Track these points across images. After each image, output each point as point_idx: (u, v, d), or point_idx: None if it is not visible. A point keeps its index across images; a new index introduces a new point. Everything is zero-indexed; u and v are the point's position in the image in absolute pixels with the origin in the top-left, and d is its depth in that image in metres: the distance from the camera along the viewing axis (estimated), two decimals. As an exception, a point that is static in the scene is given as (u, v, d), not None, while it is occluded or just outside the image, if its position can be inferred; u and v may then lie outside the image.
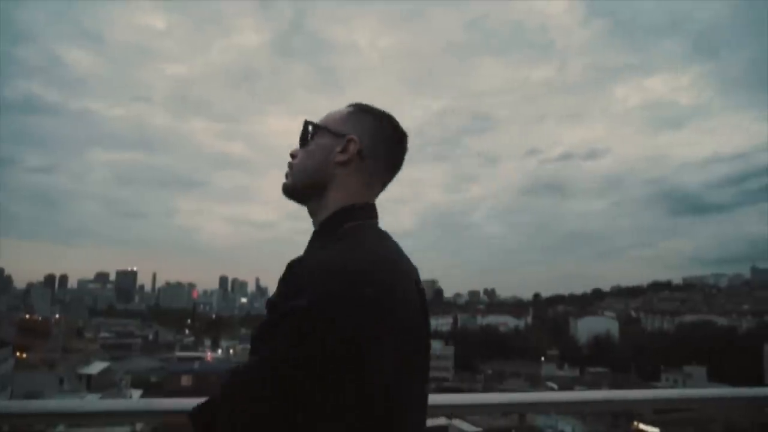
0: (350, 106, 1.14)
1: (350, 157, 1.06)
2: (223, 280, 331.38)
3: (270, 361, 0.82)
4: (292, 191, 1.12)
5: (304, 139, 1.12)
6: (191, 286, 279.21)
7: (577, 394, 1.72)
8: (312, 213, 1.11)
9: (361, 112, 1.12)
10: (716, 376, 52.28)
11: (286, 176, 1.12)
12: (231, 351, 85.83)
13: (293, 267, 0.89)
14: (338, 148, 1.07)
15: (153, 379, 46.66)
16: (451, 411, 1.95)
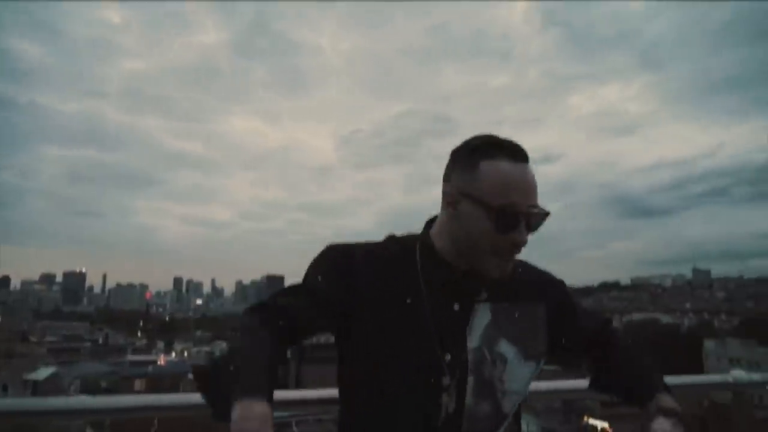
0: None
1: None
2: (177, 281, 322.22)
3: None
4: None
5: (537, 229, 1.09)
6: (144, 287, 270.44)
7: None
8: None
9: None
10: (661, 371, 54.64)
11: (511, 262, 1.10)
12: (185, 353, 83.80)
13: (527, 264, 1.23)
14: None
15: (104, 383, 45.05)
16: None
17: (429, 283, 1.10)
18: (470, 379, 1.07)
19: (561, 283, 1.27)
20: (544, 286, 1.21)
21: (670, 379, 1.14)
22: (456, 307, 1.10)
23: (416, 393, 1.05)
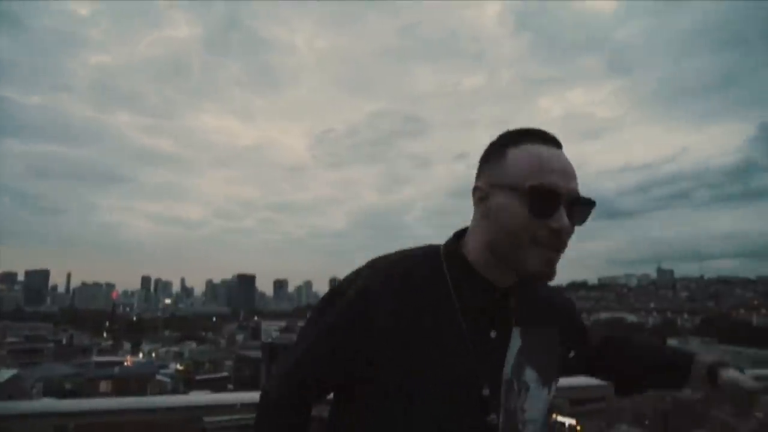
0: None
1: None
2: (145, 280, 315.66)
3: None
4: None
5: (584, 220, 0.97)
6: (110, 286, 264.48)
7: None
8: None
9: None
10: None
11: (557, 260, 0.94)
12: (153, 354, 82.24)
13: (558, 289, 1.19)
14: None
15: (68, 385, 43.83)
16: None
17: (465, 307, 0.96)
18: (502, 413, 0.95)
19: (571, 302, 1.21)
20: (560, 307, 1.14)
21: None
22: (493, 334, 0.98)
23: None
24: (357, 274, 1.00)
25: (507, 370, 0.97)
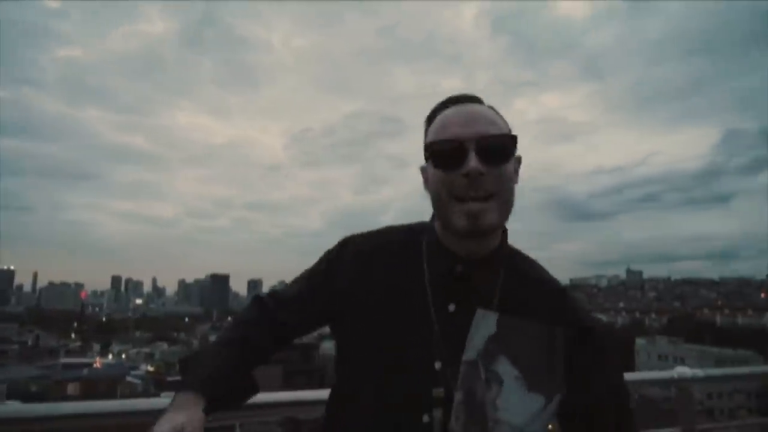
0: (491, 108, 0.99)
1: None
2: (115, 280, 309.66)
3: None
4: (498, 227, 0.96)
5: (506, 156, 0.92)
6: (79, 286, 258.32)
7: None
8: (486, 240, 0.96)
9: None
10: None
11: (489, 210, 0.90)
12: (123, 356, 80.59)
13: (566, 290, 1.02)
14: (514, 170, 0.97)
15: (33, 388, 42.54)
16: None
17: (431, 277, 0.97)
18: (457, 395, 0.89)
19: (573, 301, 1.02)
20: (569, 311, 0.98)
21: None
22: (451, 308, 0.95)
23: (402, 402, 0.92)
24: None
25: (471, 352, 0.91)
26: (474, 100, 0.98)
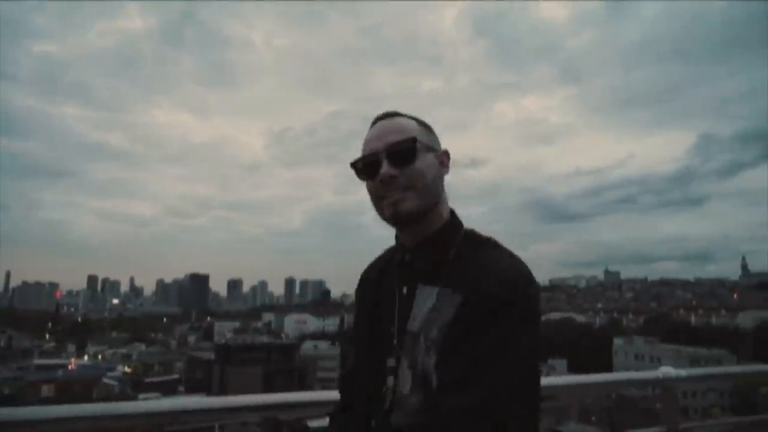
0: (410, 118, 1.15)
1: (448, 170, 1.17)
2: (92, 280, 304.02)
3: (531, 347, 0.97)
4: (419, 213, 1.09)
5: (411, 156, 1.08)
6: (54, 285, 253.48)
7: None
8: (422, 227, 1.11)
9: (427, 125, 1.17)
10: (575, 367, 58.36)
11: (406, 199, 1.07)
12: (99, 357, 79.17)
13: (500, 262, 1.03)
14: (437, 162, 1.13)
15: (6, 390, 41.53)
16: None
17: (395, 270, 1.17)
18: (403, 362, 1.04)
19: (512, 272, 1.02)
20: (489, 280, 0.99)
21: (603, 376, 1.09)
22: (405, 290, 1.12)
23: (368, 375, 1.13)
24: None
25: (412, 323, 1.06)
26: (391, 115, 1.14)
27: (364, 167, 1.10)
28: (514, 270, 1.02)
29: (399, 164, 1.07)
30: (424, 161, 1.09)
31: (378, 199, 1.10)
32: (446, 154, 1.16)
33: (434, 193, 1.10)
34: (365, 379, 1.14)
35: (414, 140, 1.08)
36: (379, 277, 1.23)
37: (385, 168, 1.06)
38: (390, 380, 1.06)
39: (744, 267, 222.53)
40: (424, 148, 1.10)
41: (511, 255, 1.07)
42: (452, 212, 1.16)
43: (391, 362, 1.07)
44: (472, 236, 1.14)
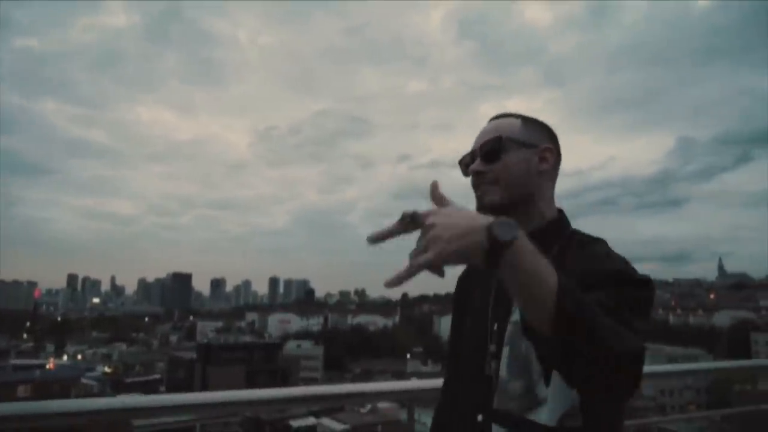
0: (517, 117, 1.21)
1: (552, 166, 1.19)
2: (71, 278, 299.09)
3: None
4: (503, 204, 1.14)
5: (497, 153, 1.16)
6: (32, 284, 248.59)
7: (430, 382, 1.97)
8: (519, 222, 1.03)
9: (535, 122, 1.22)
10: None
11: (490, 192, 1.16)
12: (79, 356, 77.99)
13: (610, 253, 1.04)
14: (536, 158, 1.17)
15: (-20, 391, 40.66)
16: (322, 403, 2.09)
17: None
18: (505, 350, 1.07)
19: (631, 268, 1.01)
20: (599, 263, 1.01)
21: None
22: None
23: (470, 362, 1.17)
24: None
25: (515, 314, 1.05)
26: (497, 117, 1.24)
27: (464, 164, 1.22)
28: (625, 262, 1.03)
29: (487, 161, 1.16)
30: (513, 157, 1.16)
31: (475, 192, 1.20)
32: (548, 149, 1.18)
33: (521, 186, 1.15)
34: (467, 364, 1.18)
35: (499, 139, 1.16)
36: (477, 273, 1.27)
37: (474, 164, 1.18)
38: (494, 364, 1.09)
39: (720, 267, 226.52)
40: (515, 145, 1.16)
41: (607, 248, 1.08)
42: (560, 211, 1.21)
43: (492, 348, 1.11)
44: (580, 235, 1.16)
